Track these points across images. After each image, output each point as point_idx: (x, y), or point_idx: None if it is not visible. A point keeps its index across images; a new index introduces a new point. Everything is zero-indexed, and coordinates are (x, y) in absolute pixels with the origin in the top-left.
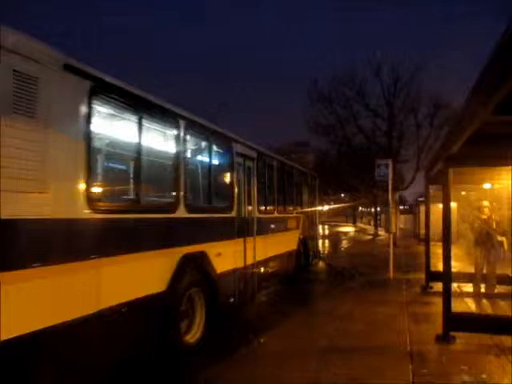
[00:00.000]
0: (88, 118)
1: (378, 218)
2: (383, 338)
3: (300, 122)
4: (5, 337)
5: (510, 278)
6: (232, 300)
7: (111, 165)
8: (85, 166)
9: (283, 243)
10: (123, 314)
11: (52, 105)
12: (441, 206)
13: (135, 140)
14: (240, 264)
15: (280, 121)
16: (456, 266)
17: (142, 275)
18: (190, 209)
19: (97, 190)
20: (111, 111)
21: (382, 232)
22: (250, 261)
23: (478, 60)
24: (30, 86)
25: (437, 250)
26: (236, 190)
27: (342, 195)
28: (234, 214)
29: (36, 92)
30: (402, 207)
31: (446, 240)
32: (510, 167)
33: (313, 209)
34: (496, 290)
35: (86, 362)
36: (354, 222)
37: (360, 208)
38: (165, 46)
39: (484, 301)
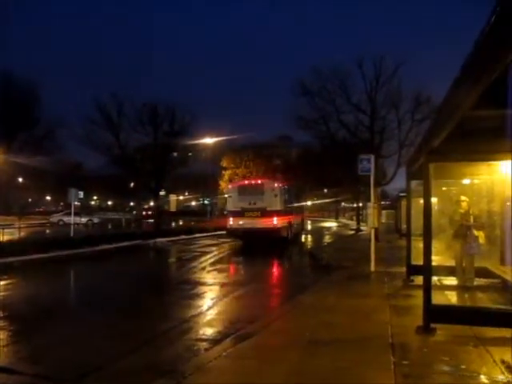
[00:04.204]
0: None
1: (361, 213)
2: (366, 329)
3: (284, 117)
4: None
5: (488, 270)
6: (297, 235)
7: (286, 197)
8: (284, 200)
9: (300, 217)
10: (297, 223)
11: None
12: (422, 200)
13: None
14: (298, 222)
15: (264, 115)
16: (436, 259)
17: (299, 217)
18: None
19: (282, 205)
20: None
21: (364, 227)
22: (299, 219)
23: (461, 54)
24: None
25: (418, 244)
26: (294, 200)
27: (325, 190)
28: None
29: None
30: (384, 202)
31: (427, 234)
32: (488, 162)
33: (301, 205)
34: (475, 283)
35: (297, 235)
36: (337, 218)
37: (342, 203)
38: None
39: (463, 293)
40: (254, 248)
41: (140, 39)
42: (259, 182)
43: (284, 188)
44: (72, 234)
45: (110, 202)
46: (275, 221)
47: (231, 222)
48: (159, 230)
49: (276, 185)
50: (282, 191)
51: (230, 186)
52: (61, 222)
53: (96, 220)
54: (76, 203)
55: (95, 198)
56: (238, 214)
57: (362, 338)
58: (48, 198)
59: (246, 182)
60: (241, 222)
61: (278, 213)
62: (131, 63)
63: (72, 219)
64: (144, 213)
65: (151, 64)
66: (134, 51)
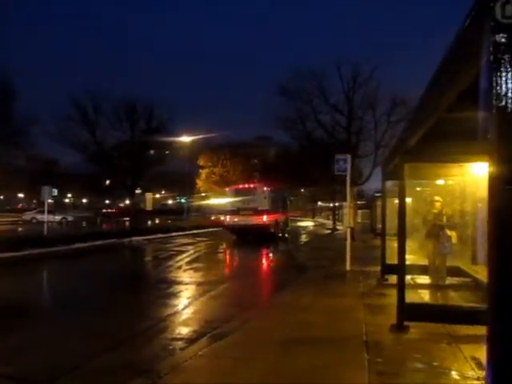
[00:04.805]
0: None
1: (337, 212)
2: (341, 328)
3: (263, 116)
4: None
5: (460, 269)
6: (283, 231)
7: (274, 199)
8: (272, 201)
9: (285, 216)
10: (282, 221)
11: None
12: (397, 200)
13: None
14: (283, 219)
15: (244, 115)
16: (410, 258)
17: (284, 216)
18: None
19: (270, 205)
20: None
21: (340, 226)
22: (284, 218)
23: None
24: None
25: (392, 244)
26: (284, 201)
27: (302, 190)
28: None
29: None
30: (360, 202)
31: (401, 234)
32: (462, 164)
33: (286, 206)
34: (447, 282)
35: (283, 230)
36: (314, 217)
37: (319, 203)
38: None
39: (436, 292)
40: (232, 246)
41: (117, 39)
42: (252, 186)
43: (272, 191)
44: (45, 233)
45: (84, 200)
46: (265, 218)
47: (228, 219)
48: (135, 228)
49: (266, 188)
50: (271, 194)
51: (227, 189)
52: (34, 220)
53: (70, 218)
54: (50, 201)
55: (70, 195)
56: (234, 212)
57: (338, 336)
58: (21, 195)
59: (241, 186)
60: (236, 220)
61: (267, 212)
62: (111, 63)
63: (45, 217)
64: (105, 210)
65: (129, 63)
66: (113, 51)
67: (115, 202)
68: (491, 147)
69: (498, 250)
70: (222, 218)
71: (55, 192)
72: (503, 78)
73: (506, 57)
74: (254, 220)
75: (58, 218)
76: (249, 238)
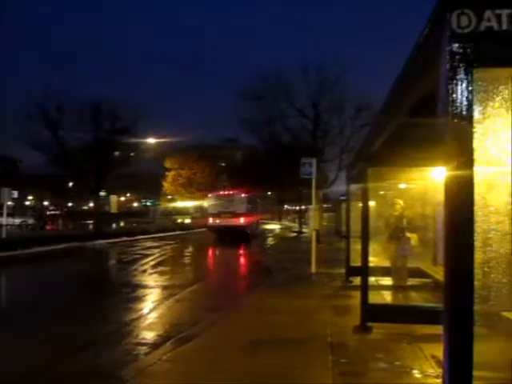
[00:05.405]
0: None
1: (303, 215)
2: (306, 329)
3: (231, 119)
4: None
5: (421, 271)
6: (256, 231)
7: (249, 204)
8: (247, 206)
9: (257, 218)
10: (255, 222)
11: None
12: (361, 204)
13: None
14: (255, 222)
15: (212, 116)
16: (373, 260)
17: (256, 218)
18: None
19: (246, 209)
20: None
21: (306, 229)
22: (256, 220)
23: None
24: None
25: (357, 246)
26: (256, 205)
27: (269, 193)
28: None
29: None
30: (325, 205)
31: (365, 236)
32: (423, 168)
33: (257, 210)
34: (408, 283)
35: (256, 231)
36: (280, 220)
37: (285, 206)
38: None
39: (397, 293)
40: (199, 249)
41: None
42: (231, 192)
43: (248, 197)
44: (4, 236)
45: (46, 203)
46: (241, 220)
47: (211, 221)
48: (99, 231)
49: (243, 195)
50: (247, 200)
51: (209, 195)
52: None
53: (30, 221)
54: (9, 203)
55: (31, 197)
56: (216, 215)
57: (303, 337)
58: None
59: (221, 192)
60: (217, 221)
61: (243, 215)
62: (81, 61)
63: (4, 220)
64: (48, 213)
65: (88, 62)
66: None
67: (79, 205)
68: (447, 152)
69: (453, 252)
70: (189, 221)
71: (15, 194)
72: (458, 86)
73: (461, 65)
74: (233, 222)
75: (17, 221)
76: (227, 238)
